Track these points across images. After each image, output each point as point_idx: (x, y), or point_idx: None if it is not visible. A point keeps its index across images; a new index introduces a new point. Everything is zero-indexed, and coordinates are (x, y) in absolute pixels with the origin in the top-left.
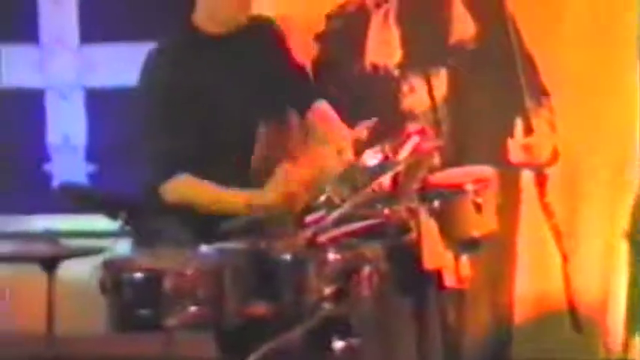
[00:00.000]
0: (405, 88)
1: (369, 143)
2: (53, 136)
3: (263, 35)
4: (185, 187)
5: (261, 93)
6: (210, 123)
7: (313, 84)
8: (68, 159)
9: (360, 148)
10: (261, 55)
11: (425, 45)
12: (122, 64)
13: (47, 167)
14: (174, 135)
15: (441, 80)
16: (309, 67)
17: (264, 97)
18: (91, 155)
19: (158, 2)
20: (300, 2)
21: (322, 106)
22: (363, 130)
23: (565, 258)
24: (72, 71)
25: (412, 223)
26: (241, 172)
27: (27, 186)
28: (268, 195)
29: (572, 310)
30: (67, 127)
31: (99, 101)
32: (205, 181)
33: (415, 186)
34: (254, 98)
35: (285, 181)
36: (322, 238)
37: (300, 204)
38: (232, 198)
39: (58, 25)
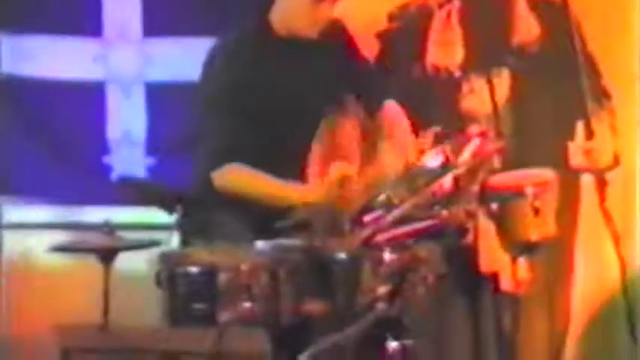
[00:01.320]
0: (466, 89)
1: (431, 144)
2: (113, 129)
3: (334, 41)
4: (240, 176)
5: (329, 88)
6: (274, 118)
7: (383, 82)
8: (128, 152)
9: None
10: (331, 53)
11: (487, 46)
12: (183, 59)
13: (107, 160)
14: (228, 127)
15: (502, 82)
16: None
17: (330, 93)
18: (150, 149)
19: None
20: (363, 1)
21: (392, 106)
22: (427, 140)
23: (623, 263)
24: (133, 65)
25: (470, 225)
26: (295, 173)
27: (86, 178)
28: (322, 192)
29: (629, 315)
30: (127, 121)
31: (159, 95)
32: (257, 172)
33: (475, 188)
34: (320, 93)
35: (342, 179)
36: (379, 238)
37: (357, 203)
38: (288, 192)
39: (122, 18)
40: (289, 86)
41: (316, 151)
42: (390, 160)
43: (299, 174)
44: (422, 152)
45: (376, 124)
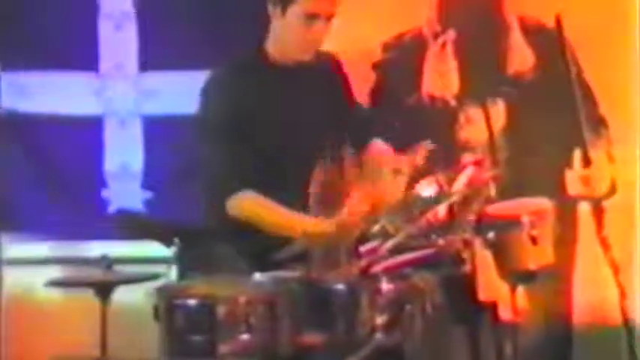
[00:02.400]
0: (462, 118)
1: (425, 173)
2: (111, 163)
3: (328, 69)
4: (250, 204)
5: (323, 125)
6: (275, 143)
7: (370, 122)
8: (125, 186)
9: (415, 175)
10: (324, 89)
11: (482, 76)
12: (179, 92)
13: (104, 193)
14: (233, 156)
15: (498, 111)
16: (361, 101)
17: (325, 130)
18: (147, 182)
19: (217, 32)
20: (358, 31)
21: (378, 144)
22: (418, 155)
23: (622, 291)
24: (130, 99)
25: (467, 254)
26: (299, 199)
27: (84, 212)
28: (324, 224)
29: (630, 344)
30: (124, 154)
31: (156, 129)
32: (269, 201)
33: (470, 217)
34: (316, 129)
35: (342, 211)
36: (376, 268)
37: (355, 233)
38: (292, 221)
39: (118, 52)
40: (288, 112)
41: (317, 176)
42: (384, 189)
43: (301, 199)
44: (414, 166)
45: (364, 161)
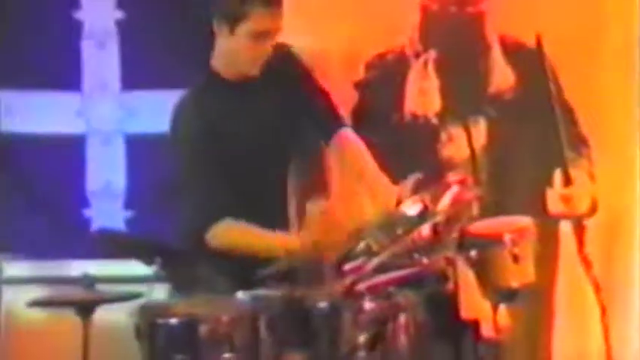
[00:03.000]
0: (444, 137)
1: (411, 192)
2: (93, 182)
3: (284, 73)
4: (230, 233)
5: (288, 129)
6: (240, 167)
7: (339, 114)
8: (107, 205)
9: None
10: (285, 92)
11: (464, 94)
12: (162, 111)
13: (86, 212)
14: (207, 182)
15: (480, 130)
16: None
17: (291, 133)
18: (129, 201)
19: (200, 51)
20: (340, 50)
21: (347, 132)
22: (407, 188)
23: (604, 310)
24: (113, 117)
25: (450, 273)
26: (277, 215)
27: (66, 231)
28: (303, 239)
29: None
30: (107, 173)
31: (139, 147)
32: (249, 226)
33: (453, 235)
34: (281, 136)
35: (321, 226)
36: (359, 287)
37: (337, 251)
38: (275, 242)
39: (101, 72)
40: (250, 127)
41: (292, 188)
42: (368, 208)
43: (279, 214)
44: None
45: (335, 150)
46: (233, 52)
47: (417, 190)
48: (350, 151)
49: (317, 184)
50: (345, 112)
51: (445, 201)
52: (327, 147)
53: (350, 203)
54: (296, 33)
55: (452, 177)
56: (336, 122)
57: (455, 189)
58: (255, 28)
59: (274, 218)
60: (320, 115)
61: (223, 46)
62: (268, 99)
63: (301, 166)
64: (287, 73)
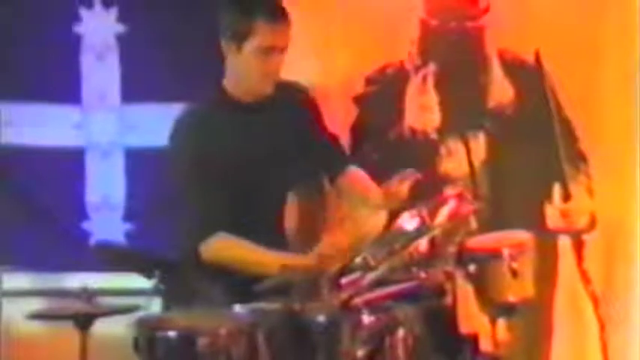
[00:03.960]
0: (443, 151)
1: (407, 206)
2: (92, 195)
3: (294, 102)
4: (223, 247)
5: (293, 159)
6: (241, 186)
7: (344, 150)
8: (107, 217)
9: (398, 206)
10: (292, 122)
11: (463, 109)
12: (161, 124)
13: (86, 225)
14: (206, 197)
15: (479, 144)
16: (343, 134)
17: (295, 164)
18: (129, 214)
19: (197, 65)
20: (340, 65)
21: (355, 171)
22: (397, 183)
23: (602, 325)
24: (112, 130)
25: (448, 287)
26: (275, 236)
27: (65, 243)
28: (303, 257)
29: None
30: (106, 186)
31: (138, 160)
32: (243, 241)
33: (452, 250)
34: (285, 164)
35: (322, 244)
36: (357, 301)
37: (335, 266)
38: (268, 259)
39: (101, 85)
40: (253, 152)
41: (291, 210)
42: (366, 222)
43: (277, 235)
44: (395, 194)
45: (342, 188)
46: (242, 70)
47: (411, 196)
48: (361, 186)
49: (318, 218)
50: (344, 126)
51: (442, 215)
52: (330, 184)
53: (351, 231)
54: (296, 48)
55: (450, 191)
56: (342, 159)
57: (452, 203)
58: (261, 43)
59: (270, 238)
60: (326, 150)
61: (233, 65)
62: (276, 124)
63: (301, 198)
64: (297, 109)
